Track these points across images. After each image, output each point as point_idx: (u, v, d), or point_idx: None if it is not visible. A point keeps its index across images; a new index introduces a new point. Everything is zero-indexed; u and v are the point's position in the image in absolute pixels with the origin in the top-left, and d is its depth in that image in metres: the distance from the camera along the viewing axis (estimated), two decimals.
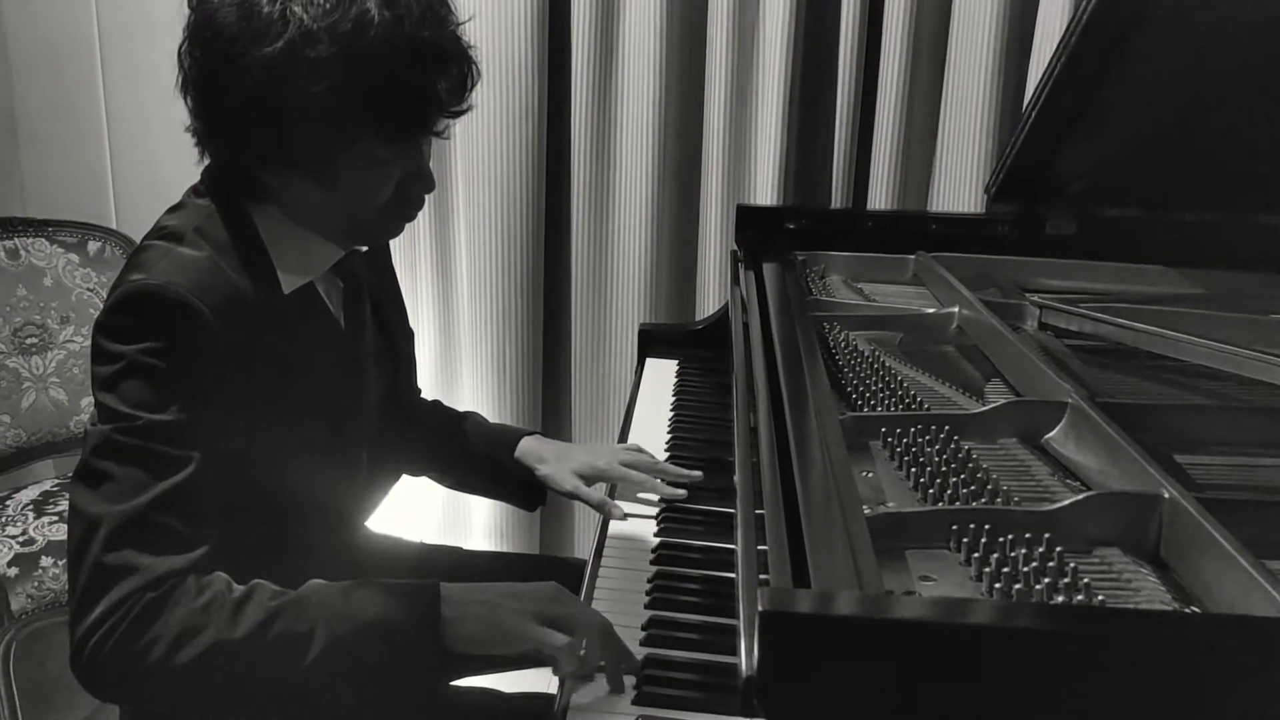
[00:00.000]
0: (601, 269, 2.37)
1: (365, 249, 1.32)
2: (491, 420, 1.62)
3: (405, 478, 1.54)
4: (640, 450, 1.52)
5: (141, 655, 0.98)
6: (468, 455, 1.52)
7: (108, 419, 1.04)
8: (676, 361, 1.97)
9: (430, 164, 1.20)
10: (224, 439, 1.08)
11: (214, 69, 1.07)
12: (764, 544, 0.95)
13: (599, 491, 1.47)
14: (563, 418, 2.48)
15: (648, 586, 1.24)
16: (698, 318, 2.33)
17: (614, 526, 1.39)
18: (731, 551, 1.25)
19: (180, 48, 1.11)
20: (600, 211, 2.34)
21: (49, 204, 2.56)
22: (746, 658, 0.75)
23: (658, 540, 1.36)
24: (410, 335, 1.48)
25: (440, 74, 1.10)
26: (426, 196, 1.22)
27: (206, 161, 1.18)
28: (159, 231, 1.14)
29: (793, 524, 0.89)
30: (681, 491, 1.46)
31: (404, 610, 1.04)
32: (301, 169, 1.11)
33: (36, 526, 2.10)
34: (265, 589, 1.04)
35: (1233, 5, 1.47)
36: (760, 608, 0.63)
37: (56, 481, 2.30)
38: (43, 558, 2.01)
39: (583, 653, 1.05)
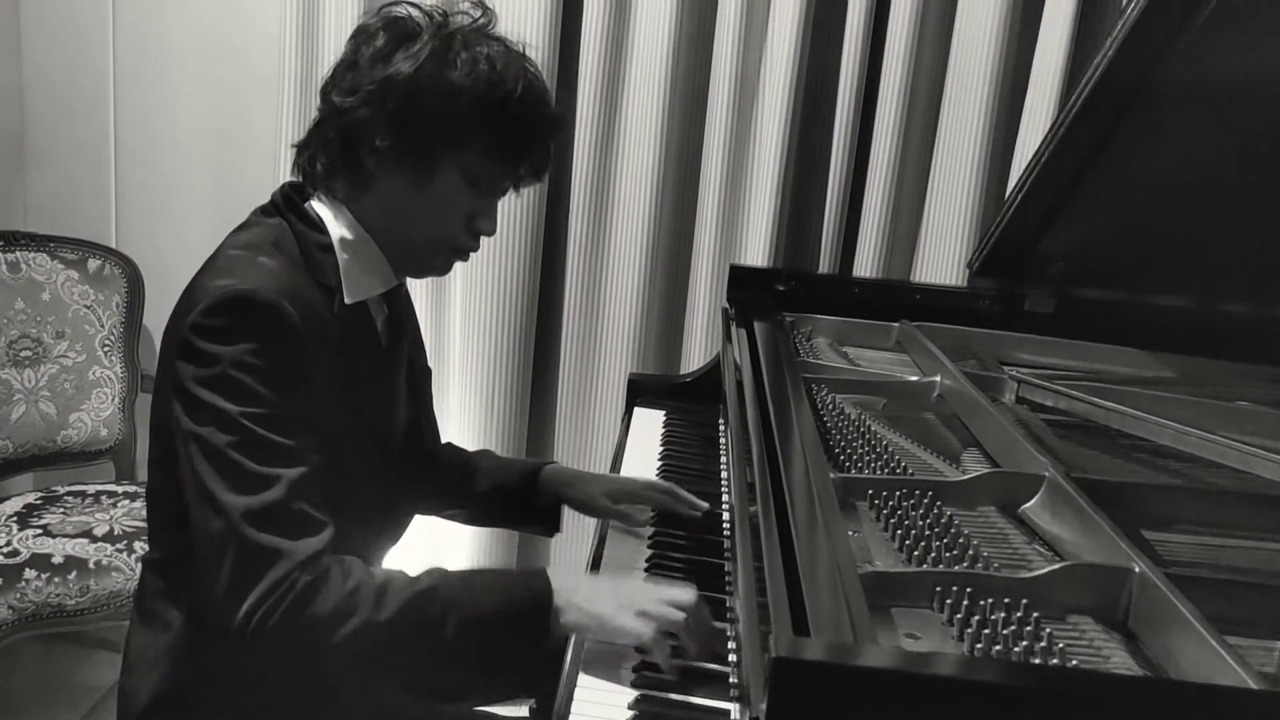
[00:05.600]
0: (593, 317, 2.43)
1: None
2: None
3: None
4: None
5: (302, 631, 1.11)
6: (492, 486, 1.60)
7: (214, 417, 1.13)
8: (663, 412, 2.02)
9: None
10: (318, 434, 1.18)
11: (380, 55, 1.24)
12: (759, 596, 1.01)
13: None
14: (546, 459, 2.53)
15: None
16: (682, 370, 2.40)
17: (606, 551, 1.45)
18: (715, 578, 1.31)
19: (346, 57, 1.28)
20: (595, 262, 2.41)
21: (50, 220, 2.59)
22: (752, 701, 0.80)
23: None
24: (428, 373, 1.55)
25: (544, 133, 1.31)
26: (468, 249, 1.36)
27: (289, 178, 1.34)
28: (234, 245, 1.25)
29: (789, 577, 0.95)
30: (704, 505, 1.54)
31: (521, 604, 1.18)
32: (408, 158, 1.26)
33: (21, 539, 2.11)
34: (400, 576, 1.17)
35: (1215, 106, 1.56)
36: (773, 654, 0.69)
37: (40, 495, 2.32)
38: (26, 570, 2.03)
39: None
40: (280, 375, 1.15)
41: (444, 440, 1.67)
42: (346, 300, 1.28)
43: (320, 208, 1.30)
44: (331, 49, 2.34)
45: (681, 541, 1.50)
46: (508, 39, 1.31)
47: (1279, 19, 1.38)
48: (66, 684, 2.50)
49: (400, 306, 1.42)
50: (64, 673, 2.54)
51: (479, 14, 1.31)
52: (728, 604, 1.31)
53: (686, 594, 1.18)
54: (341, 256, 1.28)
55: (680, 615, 1.15)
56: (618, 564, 1.44)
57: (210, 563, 1.12)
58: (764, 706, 0.70)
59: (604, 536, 1.51)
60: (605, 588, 1.21)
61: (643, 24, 2.28)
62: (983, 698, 0.70)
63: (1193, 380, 1.81)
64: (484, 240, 1.35)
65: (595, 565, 1.43)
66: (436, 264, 1.37)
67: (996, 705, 0.70)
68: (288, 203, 1.31)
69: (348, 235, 1.29)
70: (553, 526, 1.64)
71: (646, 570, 1.42)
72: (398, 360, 1.41)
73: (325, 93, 1.29)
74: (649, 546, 1.49)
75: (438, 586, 1.17)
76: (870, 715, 0.70)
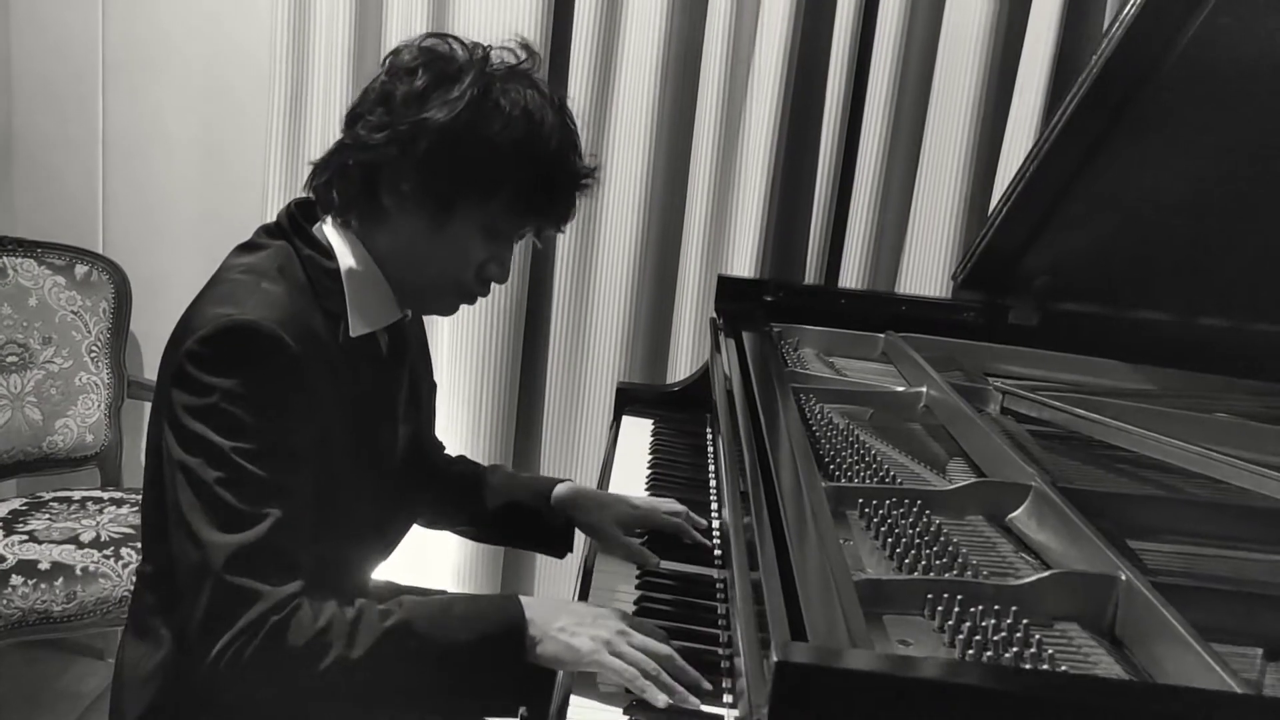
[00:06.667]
0: (580, 326, 2.45)
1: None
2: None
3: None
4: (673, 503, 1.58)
5: (273, 671, 1.10)
6: (504, 504, 1.58)
7: (203, 448, 1.11)
8: (651, 421, 2.04)
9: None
10: (309, 468, 1.17)
11: (415, 94, 1.21)
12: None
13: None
14: (532, 467, 2.54)
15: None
16: (668, 380, 2.42)
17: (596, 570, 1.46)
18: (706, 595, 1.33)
19: (380, 84, 1.25)
20: (582, 271, 2.42)
21: (37, 226, 2.59)
22: (751, 707, 0.82)
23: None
24: (433, 388, 1.56)
25: (571, 187, 1.29)
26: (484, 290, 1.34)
27: (300, 196, 1.31)
28: (238, 268, 1.23)
29: (785, 584, 0.96)
30: (709, 543, 1.52)
31: (496, 632, 1.17)
32: (426, 201, 1.23)
33: (7, 545, 2.11)
34: (372, 609, 1.15)
35: (1197, 125, 1.60)
36: (776, 658, 0.71)
37: (26, 501, 2.31)
38: (13, 576, 2.02)
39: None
40: (273, 409, 1.13)
41: (452, 453, 1.67)
42: (352, 333, 1.26)
43: (330, 233, 1.28)
44: (322, 56, 2.35)
45: (668, 596, 1.43)
46: (545, 85, 1.28)
47: (1267, 37, 1.41)
48: (49, 691, 2.49)
49: (406, 325, 1.41)
50: (47, 679, 2.53)
51: (523, 57, 1.29)
52: (720, 610, 1.33)
53: (661, 646, 1.15)
54: (349, 286, 1.26)
55: (652, 664, 1.13)
56: (606, 588, 1.42)
57: (188, 595, 1.11)
58: (765, 711, 0.72)
59: (590, 570, 1.47)
60: (583, 617, 1.19)
61: (632, 36, 2.30)
62: (983, 703, 0.72)
63: (1172, 392, 1.85)
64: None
65: (585, 585, 1.42)
66: (442, 305, 1.35)
67: (997, 710, 0.72)
68: (294, 225, 1.28)
69: (356, 266, 1.27)
70: (564, 547, 1.60)
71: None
72: (401, 379, 1.40)
73: (351, 121, 1.26)
74: (637, 588, 1.44)
75: (411, 619, 1.15)
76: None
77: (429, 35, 1.28)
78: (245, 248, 1.28)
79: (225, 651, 1.08)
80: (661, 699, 1.10)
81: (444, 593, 1.75)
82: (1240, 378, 1.87)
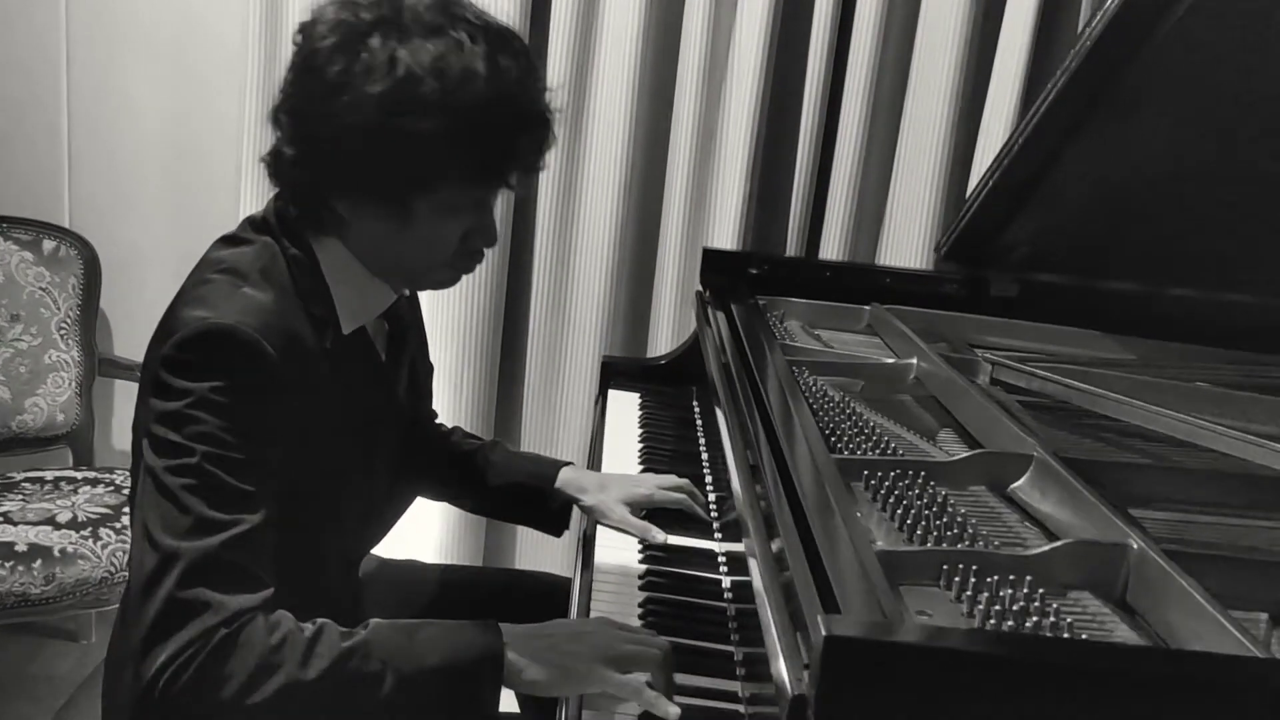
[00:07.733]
0: (561, 300, 2.44)
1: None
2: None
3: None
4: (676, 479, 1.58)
5: (215, 691, 1.01)
6: (505, 483, 1.57)
7: (171, 453, 1.06)
8: (638, 395, 2.04)
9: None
10: (280, 473, 1.12)
11: (319, 98, 1.11)
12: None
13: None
14: (514, 442, 2.53)
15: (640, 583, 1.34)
16: (649, 353, 2.41)
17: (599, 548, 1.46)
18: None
19: (288, 76, 1.16)
20: (563, 245, 2.41)
21: (1, 199, 2.51)
22: (787, 683, 0.83)
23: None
24: (431, 370, 1.54)
25: (526, 132, 1.17)
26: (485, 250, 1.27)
27: (274, 192, 1.22)
28: (218, 265, 1.16)
29: (810, 557, 0.97)
30: (708, 520, 1.54)
31: (469, 656, 1.09)
32: (378, 205, 1.16)
33: None
34: (333, 629, 1.07)
35: (1181, 104, 1.62)
36: (824, 633, 0.71)
37: None
38: None
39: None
40: (247, 417, 1.08)
41: (457, 426, 1.67)
42: (344, 331, 1.22)
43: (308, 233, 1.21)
44: (296, 25, 2.30)
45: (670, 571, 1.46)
46: (471, 18, 1.14)
47: (1252, 26, 1.43)
48: (23, 674, 2.45)
49: (402, 311, 1.37)
50: (20, 663, 2.48)
51: None
52: (724, 585, 1.34)
53: (660, 640, 1.12)
54: (334, 287, 1.21)
55: (656, 653, 1.09)
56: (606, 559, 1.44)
57: (138, 602, 1.04)
58: (813, 688, 0.72)
59: (592, 536, 1.50)
60: (570, 629, 1.13)
61: (612, 8, 2.28)
62: (1035, 675, 0.73)
63: (1152, 362, 1.87)
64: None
65: (586, 555, 1.44)
66: (436, 281, 1.29)
67: (1046, 682, 0.73)
68: (281, 220, 1.20)
69: (338, 264, 1.21)
70: (562, 527, 1.61)
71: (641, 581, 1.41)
72: (398, 372, 1.38)
73: (276, 122, 1.17)
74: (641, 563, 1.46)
75: (374, 640, 1.07)
76: (922, 692, 0.73)
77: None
78: (228, 240, 1.22)
79: (166, 668, 1.00)
80: (673, 710, 1.05)
81: (440, 572, 1.76)
82: (1215, 347, 1.91)
